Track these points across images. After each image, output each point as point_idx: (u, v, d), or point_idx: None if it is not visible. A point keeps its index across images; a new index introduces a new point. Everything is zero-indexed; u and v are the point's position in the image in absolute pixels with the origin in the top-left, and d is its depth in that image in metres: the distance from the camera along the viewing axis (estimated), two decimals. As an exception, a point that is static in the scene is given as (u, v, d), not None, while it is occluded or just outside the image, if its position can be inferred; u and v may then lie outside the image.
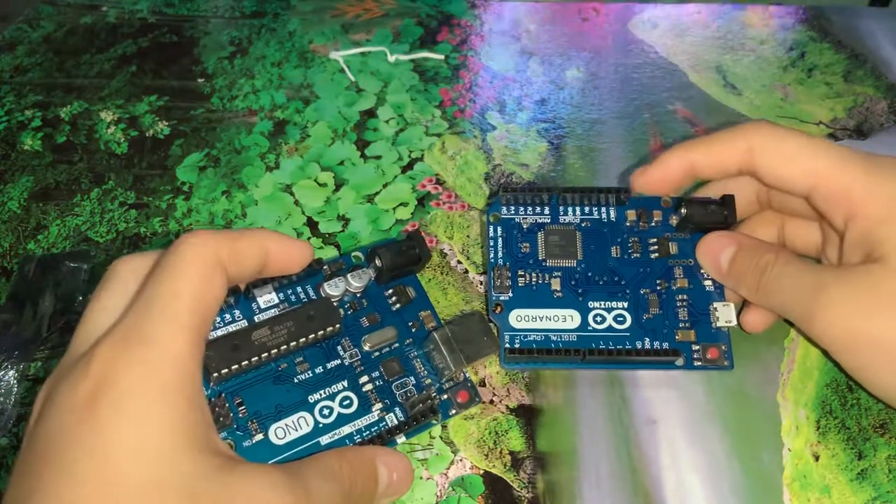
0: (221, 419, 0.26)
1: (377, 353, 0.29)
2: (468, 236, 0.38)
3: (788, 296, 0.28)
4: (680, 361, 0.31)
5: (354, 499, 0.24)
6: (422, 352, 0.30)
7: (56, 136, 0.45)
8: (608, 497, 0.29)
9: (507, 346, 0.31)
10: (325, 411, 0.28)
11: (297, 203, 0.40)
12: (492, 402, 0.32)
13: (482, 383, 0.32)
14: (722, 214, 0.31)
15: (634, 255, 0.32)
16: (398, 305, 0.31)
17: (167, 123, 0.45)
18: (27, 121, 0.46)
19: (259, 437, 0.26)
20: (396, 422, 0.28)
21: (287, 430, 0.27)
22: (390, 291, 0.31)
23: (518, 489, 0.29)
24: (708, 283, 0.32)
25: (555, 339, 0.31)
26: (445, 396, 0.29)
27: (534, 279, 0.32)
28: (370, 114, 0.46)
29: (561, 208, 0.33)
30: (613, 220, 0.33)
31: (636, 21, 0.53)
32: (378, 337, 0.29)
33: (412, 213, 0.40)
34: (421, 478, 0.30)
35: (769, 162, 0.29)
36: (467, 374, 0.30)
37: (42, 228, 0.40)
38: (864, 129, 0.44)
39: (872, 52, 0.49)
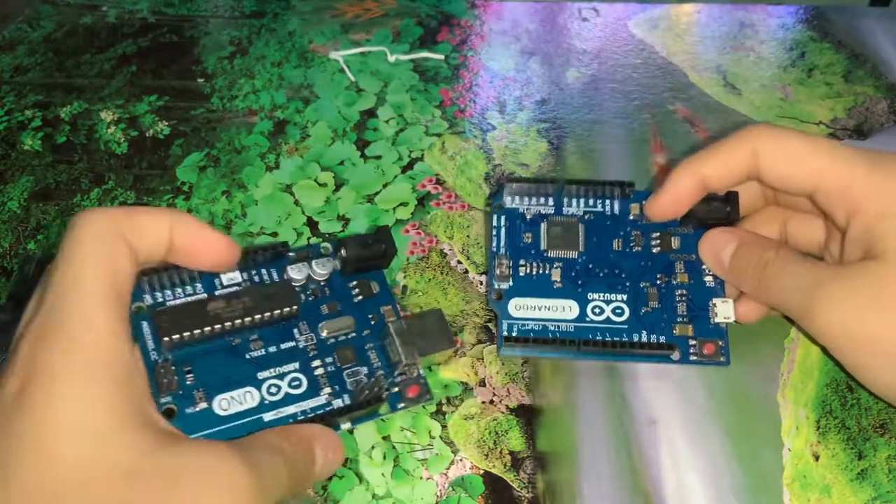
0: (167, 383, 0.26)
1: (333, 340, 0.29)
2: (468, 236, 0.38)
3: (788, 293, 0.28)
4: (676, 355, 0.31)
5: (297, 475, 0.24)
6: (378, 343, 0.30)
7: (56, 136, 0.45)
8: (608, 497, 0.29)
9: (505, 333, 0.31)
10: (273, 389, 0.27)
11: (297, 203, 0.40)
12: (492, 402, 0.32)
13: (482, 383, 0.32)
14: (725, 211, 0.31)
15: (636, 248, 0.32)
16: (360, 298, 0.30)
17: (167, 123, 0.45)
18: (27, 121, 0.46)
19: (203, 405, 0.26)
20: (343, 406, 0.28)
21: (231, 402, 0.27)
22: (354, 284, 0.30)
23: (518, 489, 0.29)
24: (708, 278, 0.32)
25: (552, 328, 0.31)
26: (396, 389, 0.29)
27: (534, 269, 0.32)
28: (370, 114, 0.46)
29: (565, 200, 0.33)
30: (617, 213, 0.33)
31: (636, 21, 0.53)
32: (335, 325, 0.29)
33: (412, 213, 0.40)
34: (421, 478, 0.30)
35: (772, 164, 0.29)
36: (421, 371, 0.30)
37: (42, 228, 0.40)
38: (864, 129, 0.44)
39: (872, 52, 0.49)
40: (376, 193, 0.41)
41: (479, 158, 0.42)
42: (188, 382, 0.27)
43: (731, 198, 0.31)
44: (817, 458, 0.30)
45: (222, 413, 0.27)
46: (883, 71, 0.47)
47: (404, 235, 0.38)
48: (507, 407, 0.32)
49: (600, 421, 0.31)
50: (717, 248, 0.31)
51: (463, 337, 0.34)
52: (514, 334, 0.31)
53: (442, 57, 0.50)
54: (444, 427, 0.31)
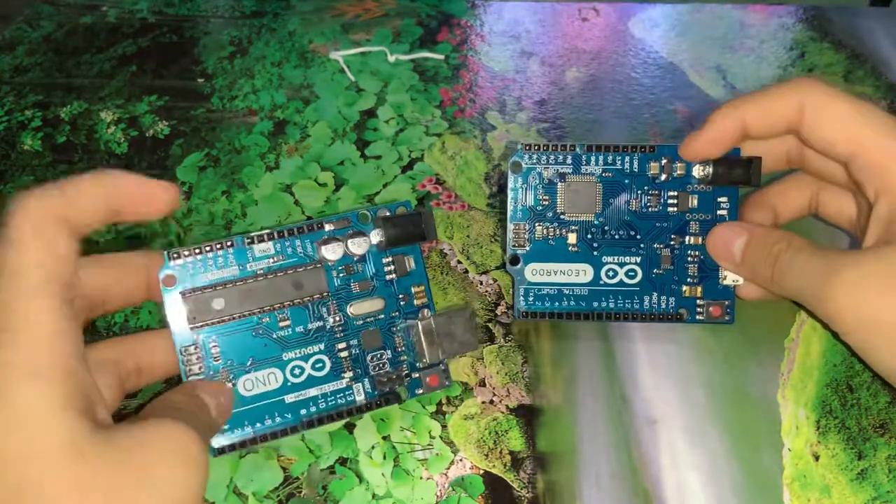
0: (195, 366, 0.27)
1: (360, 322, 0.29)
2: (468, 236, 0.38)
3: (802, 281, 0.28)
4: (684, 313, 0.32)
5: (210, 427, 0.26)
6: (404, 326, 0.30)
7: (56, 136, 0.45)
8: (608, 497, 0.29)
9: (522, 298, 0.32)
10: (297, 371, 0.28)
11: (297, 203, 0.40)
12: (492, 402, 0.32)
13: (482, 383, 0.32)
14: (747, 175, 0.31)
15: (653, 209, 0.32)
16: (393, 276, 0.30)
17: (167, 123, 0.45)
18: (27, 121, 0.46)
19: (228, 385, 0.27)
20: (363, 393, 0.29)
21: (255, 383, 0.28)
22: (389, 259, 0.30)
23: (518, 489, 0.29)
24: None
25: (567, 292, 0.32)
26: (416, 376, 0.30)
27: (551, 233, 0.32)
28: (370, 114, 0.46)
29: (584, 157, 0.33)
30: (636, 170, 0.32)
31: (636, 21, 0.53)
32: (365, 307, 0.29)
33: (412, 213, 0.40)
34: (421, 478, 0.30)
35: (815, 123, 0.29)
36: (444, 360, 0.30)
37: (42, 228, 0.40)
38: (864, 129, 0.44)
39: (872, 52, 0.49)
40: (376, 193, 0.41)
41: (479, 158, 0.42)
42: (215, 363, 0.27)
43: (754, 162, 0.31)
44: (817, 458, 0.30)
45: (246, 394, 0.28)
46: (883, 71, 0.47)
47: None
48: (507, 407, 0.32)
49: (600, 421, 0.31)
50: (726, 243, 0.31)
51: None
52: (531, 299, 0.32)
53: (442, 57, 0.50)
54: (444, 427, 0.31)
